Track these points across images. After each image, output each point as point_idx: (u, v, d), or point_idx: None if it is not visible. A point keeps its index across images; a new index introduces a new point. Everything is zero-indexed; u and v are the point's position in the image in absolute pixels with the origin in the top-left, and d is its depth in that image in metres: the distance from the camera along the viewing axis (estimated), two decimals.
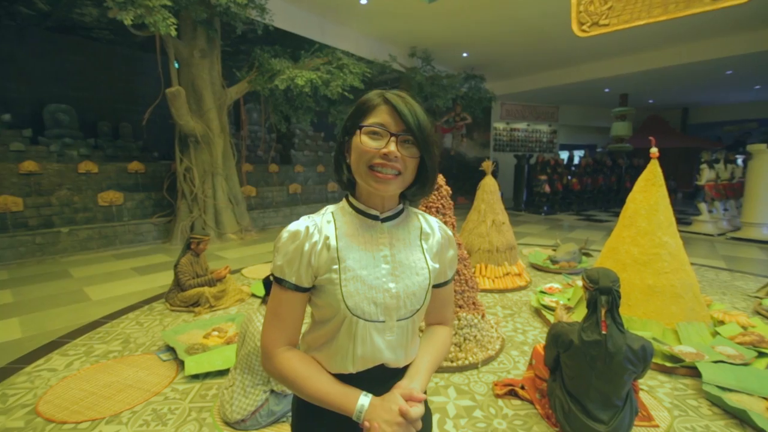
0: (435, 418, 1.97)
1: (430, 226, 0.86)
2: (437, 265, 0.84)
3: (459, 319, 2.56)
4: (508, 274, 4.12)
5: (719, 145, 13.05)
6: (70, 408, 2.08)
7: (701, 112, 15.19)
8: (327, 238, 0.76)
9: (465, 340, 2.53)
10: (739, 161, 8.19)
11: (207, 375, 2.36)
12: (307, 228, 0.76)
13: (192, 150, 6.31)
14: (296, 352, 0.78)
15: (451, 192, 2.80)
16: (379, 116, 0.72)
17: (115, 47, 8.21)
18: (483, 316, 2.74)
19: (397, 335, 0.78)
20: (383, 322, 0.76)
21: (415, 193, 0.80)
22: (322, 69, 6.39)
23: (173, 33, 4.78)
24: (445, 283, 0.90)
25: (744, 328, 2.80)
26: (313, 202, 9.45)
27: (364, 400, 0.72)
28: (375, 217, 0.79)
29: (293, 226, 0.77)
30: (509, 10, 7.02)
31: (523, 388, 2.12)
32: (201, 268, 3.65)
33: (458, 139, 12.37)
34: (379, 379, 0.77)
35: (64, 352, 2.73)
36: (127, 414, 2.03)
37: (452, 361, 2.44)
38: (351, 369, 0.76)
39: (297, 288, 0.76)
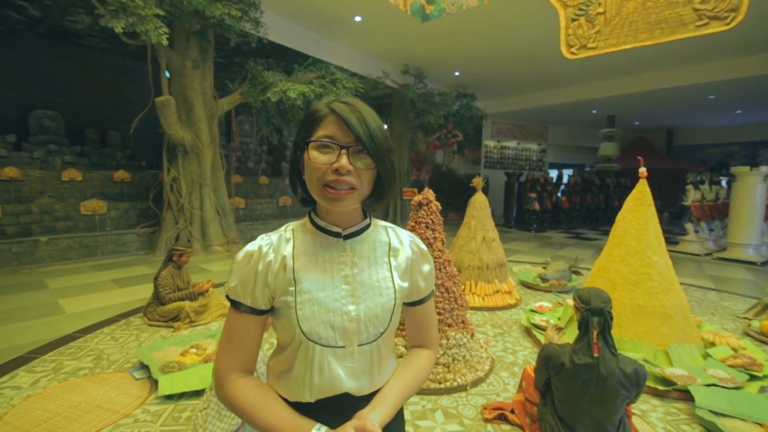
0: None
1: (400, 241, 0.81)
2: (406, 284, 0.79)
3: (448, 339, 2.49)
4: (498, 291, 4.06)
5: (703, 167, 13.37)
6: (31, 430, 1.93)
7: (685, 134, 15.61)
8: (284, 257, 0.72)
9: (454, 360, 2.45)
10: (723, 183, 8.36)
11: (182, 395, 2.23)
12: (260, 248, 0.72)
13: (180, 160, 6.21)
14: (250, 379, 0.72)
15: (440, 208, 2.76)
16: (327, 128, 0.68)
17: (107, 55, 8.16)
18: (472, 335, 2.67)
19: (360, 361, 0.72)
20: (343, 347, 0.71)
21: (370, 204, 0.75)
22: (315, 83, 6.41)
23: (165, 42, 4.75)
24: (422, 301, 0.83)
25: (734, 350, 2.77)
26: (303, 215, 9.28)
27: None
28: (337, 234, 0.74)
29: (248, 246, 0.73)
30: (500, 33, 7.18)
31: (513, 412, 2.04)
32: (182, 281, 3.52)
33: (450, 155, 12.48)
34: (342, 407, 0.71)
35: (31, 368, 2.57)
36: None
37: (440, 383, 2.35)
38: (309, 398, 0.71)
39: (253, 311, 0.71)
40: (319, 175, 0.67)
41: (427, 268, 0.83)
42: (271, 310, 0.74)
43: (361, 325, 0.72)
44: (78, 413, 2.08)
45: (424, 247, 0.84)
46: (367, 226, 0.79)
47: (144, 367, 2.53)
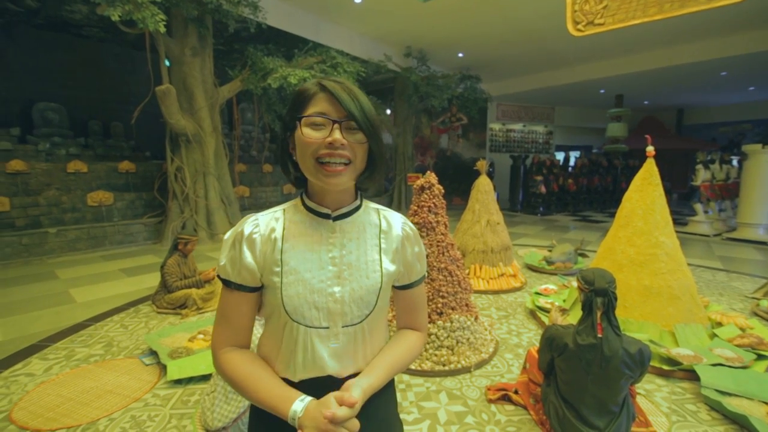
0: (425, 424, 1.90)
1: (390, 223, 0.80)
2: (394, 267, 0.78)
3: (451, 322, 2.50)
4: (502, 275, 4.06)
5: (714, 146, 13.08)
6: (44, 415, 1.99)
7: (696, 113, 15.24)
8: (273, 237, 0.73)
9: (458, 343, 2.46)
10: (735, 162, 8.19)
11: (190, 380, 2.28)
12: (244, 228, 0.73)
13: (183, 149, 6.21)
14: (243, 352, 0.74)
15: (443, 191, 2.74)
16: (319, 105, 0.67)
17: (106, 45, 8.09)
18: (476, 318, 2.67)
19: (344, 343, 0.73)
20: (327, 328, 0.71)
21: (365, 181, 0.75)
22: (316, 68, 6.32)
23: (162, 30, 4.69)
24: (411, 285, 0.83)
25: (742, 329, 2.74)
26: None
27: (299, 405, 0.66)
28: (326, 216, 0.74)
29: (237, 226, 0.74)
30: (504, 10, 6.98)
31: (516, 392, 2.05)
32: (189, 269, 3.56)
33: (454, 139, 12.31)
34: (326, 388, 0.72)
35: (44, 356, 2.63)
36: (104, 421, 1.94)
37: (444, 365, 2.37)
38: (292, 377, 0.72)
39: (241, 288, 0.72)
40: (312, 150, 0.66)
41: (417, 250, 0.82)
42: (261, 288, 0.75)
43: (346, 306, 0.72)
44: (90, 398, 2.13)
45: (415, 229, 0.84)
46: (357, 208, 0.78)
47: (153, 353, 2.57)
